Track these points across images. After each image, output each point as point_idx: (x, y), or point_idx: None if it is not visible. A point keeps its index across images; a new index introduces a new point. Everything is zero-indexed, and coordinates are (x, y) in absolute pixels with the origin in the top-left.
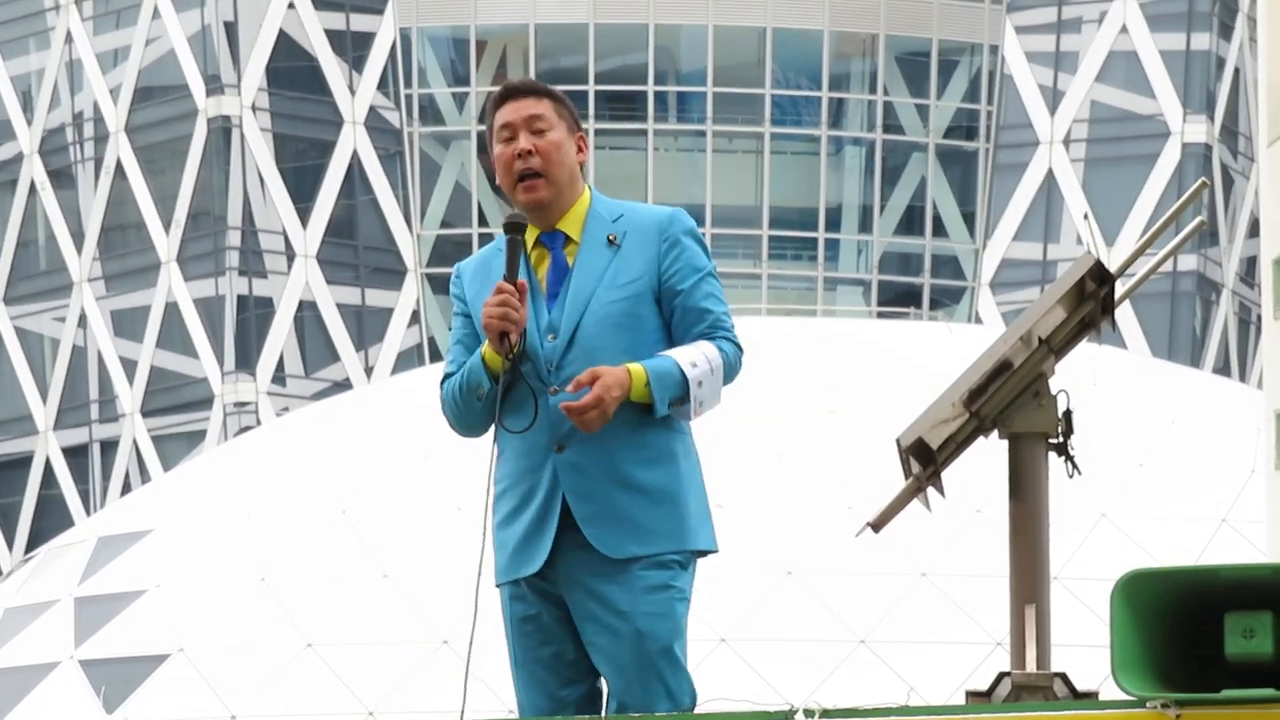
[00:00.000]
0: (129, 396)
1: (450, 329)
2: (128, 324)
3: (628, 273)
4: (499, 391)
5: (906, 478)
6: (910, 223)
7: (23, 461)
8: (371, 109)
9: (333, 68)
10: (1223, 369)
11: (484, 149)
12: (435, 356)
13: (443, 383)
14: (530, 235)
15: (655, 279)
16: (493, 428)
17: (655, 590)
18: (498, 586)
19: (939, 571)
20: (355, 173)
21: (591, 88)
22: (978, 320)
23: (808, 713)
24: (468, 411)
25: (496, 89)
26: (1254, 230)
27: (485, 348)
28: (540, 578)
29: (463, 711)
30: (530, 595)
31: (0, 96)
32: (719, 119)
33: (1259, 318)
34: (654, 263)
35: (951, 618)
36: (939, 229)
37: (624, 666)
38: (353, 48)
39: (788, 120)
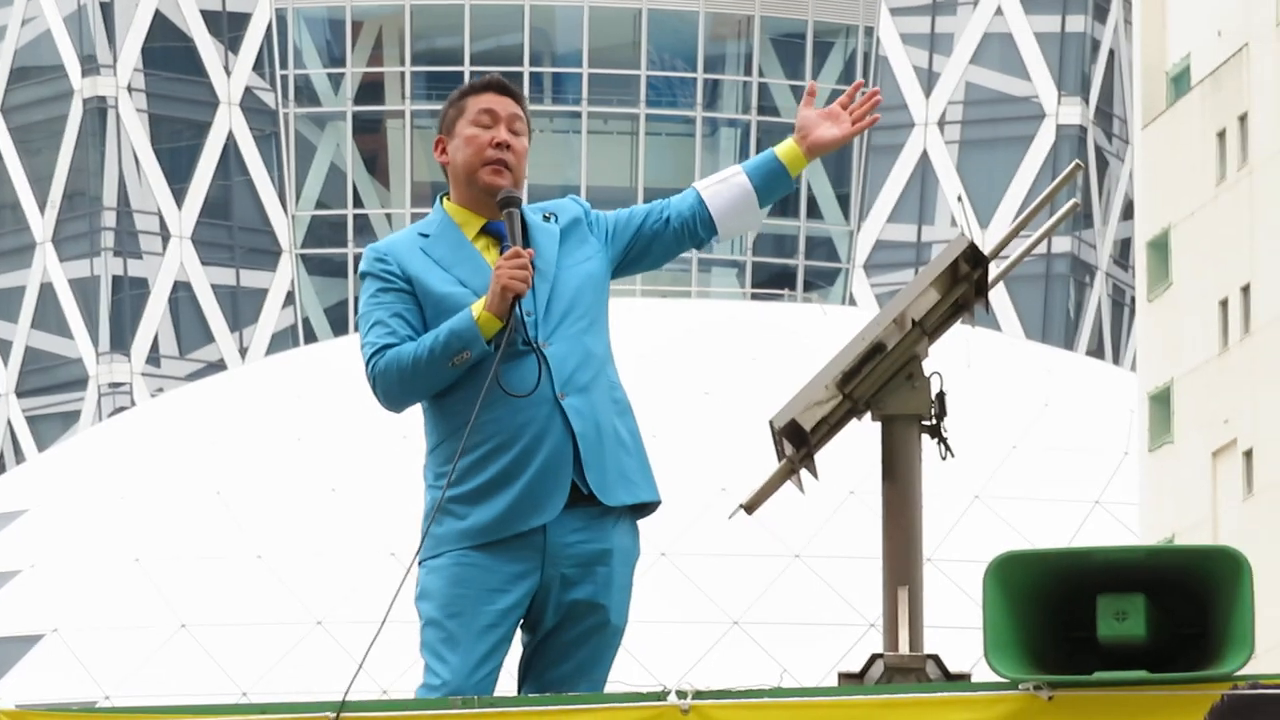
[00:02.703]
0: (3, 376)
1: (373, 306)
2: (2, 304)
3: (581, 250)
4: (497, 354)
5: (779, 459)
6: (784, 204)
7: None
8: (247, 90)
9: (208, 48)
10: (1096, 351)
11: (363, 130)
12: (310, 337)
13: (377, 354)
14: (473, 226)
15: (605, 246)
16: (456, 391)
17: (628, 580)
18: (473, 548)
19: (812, 553)
20: (230, 153)
21: (467, 68)
22: (852, 302)
23: (680, 694)
24: (432, 378)
25: (480, 78)
26: (1128, 213)
27: (479, 312)
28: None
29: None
30: (503, 551)
31: None
32: (594, 100)
33: (1132, 300)
34: (598, 240)
35: (825, 599)
36: (813, 210)
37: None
38: (228, 28)
39: (663, 102)
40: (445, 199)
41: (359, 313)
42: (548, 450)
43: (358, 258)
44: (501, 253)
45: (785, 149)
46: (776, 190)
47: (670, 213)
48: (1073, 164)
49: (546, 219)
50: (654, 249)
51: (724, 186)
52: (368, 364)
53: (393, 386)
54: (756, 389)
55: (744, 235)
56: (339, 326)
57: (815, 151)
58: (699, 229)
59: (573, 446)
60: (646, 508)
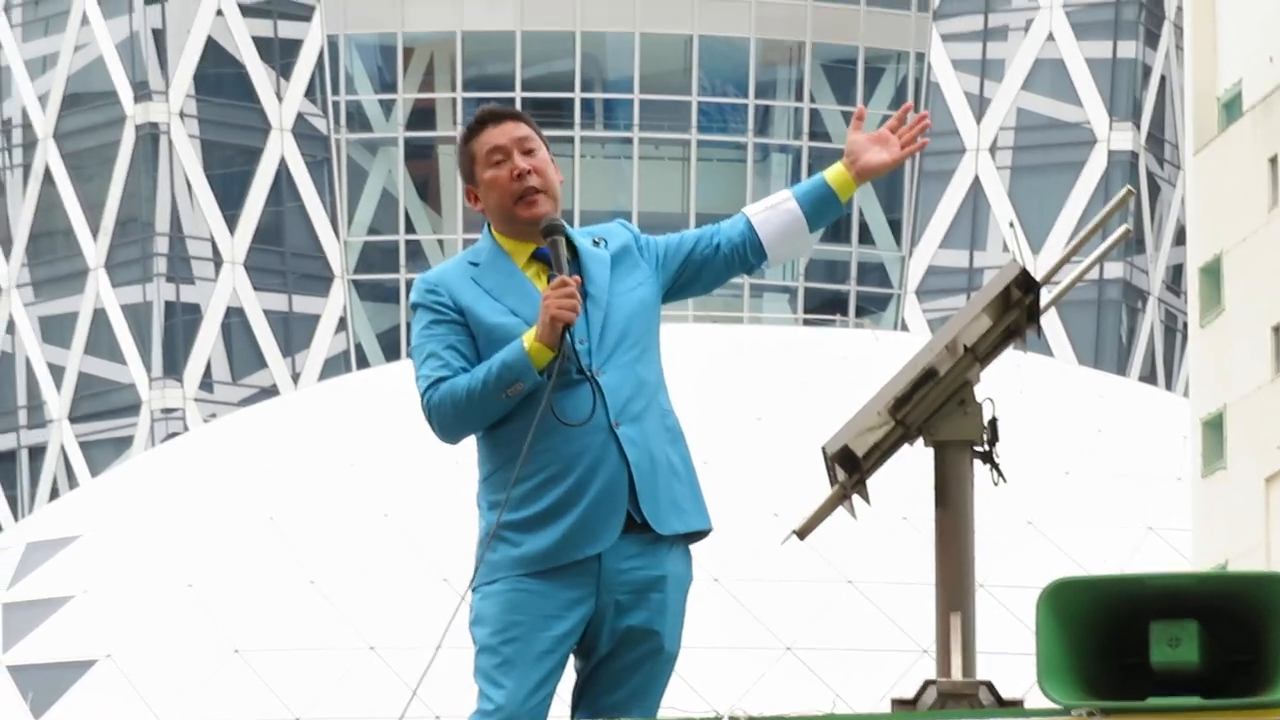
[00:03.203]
0: (57, 402)
1: (426, 338)
2: (55, 330)
3: (632, 277)
4: (550, 384)
5: (832, 485)
6: (836, 230)
7: None
8: (299, 116)
9: (260, 75)
10: (1149, 377)
11: (415, 156)
12: (362, 363)
13: (431, 387)
14: (522, 254)
15: (656, 272)
16: (510, 420)
17: (680, 606)
18: (529, 575)
19: (865, 579)
20: (283, 179)
21: (518, 95)
22: (904, 327)
23: (733, 719)
24: (486, 410)
25: (471, 117)
26: (1180, 238)
27: (530, 343)
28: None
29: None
30: (559, 577)
31: None
32: (645, 126)
33: (1185, 325)
34: (649, 266)
35: (877, 625)
36: (865, 236)
37: (632, 667)
38: (280, 55)
39: (714, 127)
40: (492, 227)
41: (412, 344)
42: (603, 479)
43: (410, 283)
44: (549, 280)
45: (835, 174)
46: (827, 215)
47: (720, 238)
48: (1124, 190)
49: (596, 244)
50: (704, 275)
51: (774, 212)
52: (423, 397)
53: (448, 419)
54: (808, 414)
55: (795, 261)
56: (391, 352)
57: (865, 176)
58: (749, 255)
59: (628, 475)
60: (698, 535)
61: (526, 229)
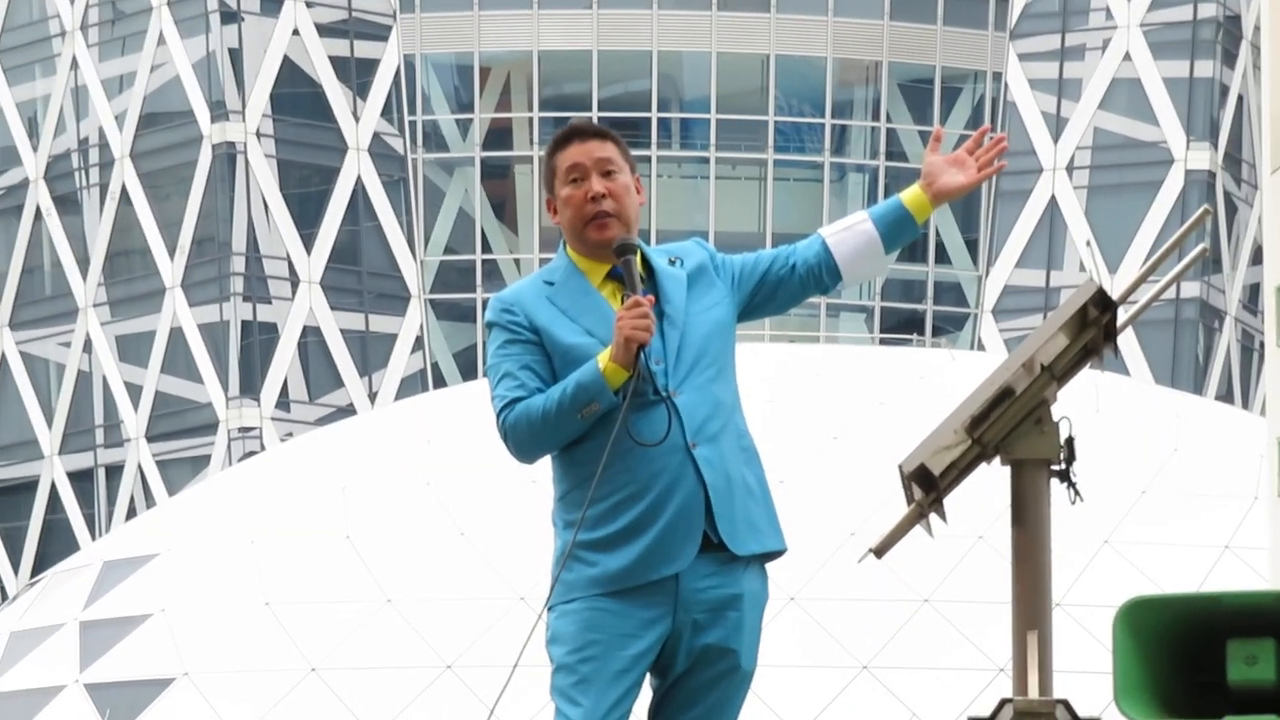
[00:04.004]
0: (134, 421)
1: (502, 358)
2: (132, 349)
3: (708, 297)
4: (625, 404)
5: (909, 504)
6: (913, 249)
7: (28, 486)
8: (375, 135)
9: (337, 94)
10: (1225, 396)
11: (492, 175)
12: (439, 382)
13: (506, 407)
14: (597, 273)
15: (732, 291)
16: (585, 441)
17: (757, 624)
18: (606, 595)
19: (942, 598)
20: (359, 199)
21: (595, 114)
22: (980, 347)
23: None
24: (562, 430)
25: (560, 130)
26: (1257, 257)
27: (604, 363)
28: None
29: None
30: (636, 596)
31: (6, 123)
32: (722, 145)
33: (1261, 344)
34: (724, 285)
35: (954, 644)
36: (941, 256)
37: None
38: (357, 74)
39: (791, 147)
40: (568, 245)
41: (488, 364)
42: (680, 500)
43: (486, 303)
44: (624, 300)
45: (911, 196)
46: (902, 237)
47: (796, 259)
48: (1201, 209)
49: (672, 263)
50: (779, 295)
51: (849, 234)
52: (498, 417)
53: (524, 440)
54: (885, 434)
55: (871, 280)
56: (468, 371)
57: (941, 198)
58: (824, 275)
59: (704, 496)
60: (774, 555)
61: (598, 250)
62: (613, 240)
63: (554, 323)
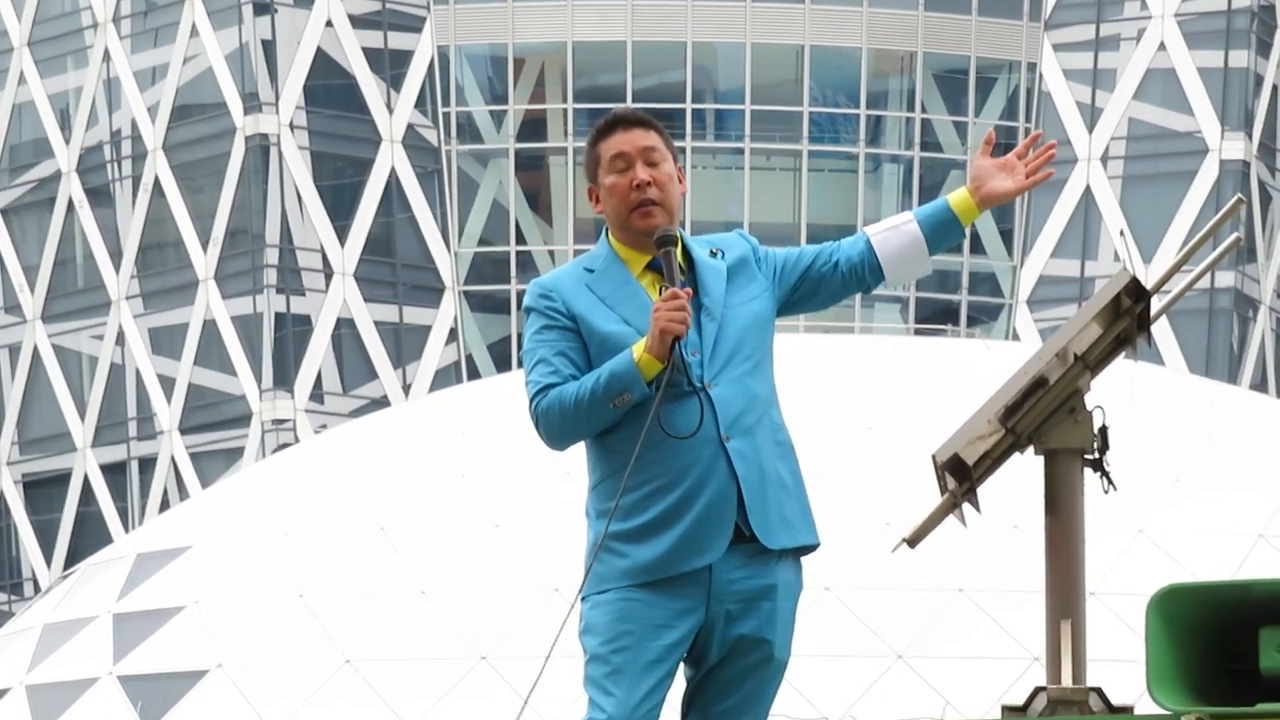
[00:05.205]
0: (167, 414)
1: (538, 343)
2: (166, 342)
3: (749, 290)
4: (658, 395)
5: (942, 493)
6: None
7: (62, 478)
8: (409, 127)
9: (370, 86)
10: (1260, 385)
11: (526, 167)
12: (473, 374)
13: (540, 393)
14: (638, 263)
15: (772, 285)
16: (619, 430)
17: (791, 614)
18: (638, 586)
19: (975, 587)
20: (393, 191)
21: (629, 105)
22: (1015, 337)
23: None
24: (594, 418)
25: (603, 118)
26: None
27: (640, 354)
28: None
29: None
30: (669, 587)
31: (38, 115)
32: (757, 136)
33: None
34: (765, 278)
35: (988, 632)
36: (976, 246)
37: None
38: (391, 66)
39: (825, 138)
40: (610, 233)
41: (524, 348)
42: (712, 493)
43: (520, 294)
44: (662, 292)
45: (959, 199)
46: (947, 239)
47: (839, 256)
48: (1235, 199)
49: (713, 254)
50: (821, 291)
51: (894, 234)
52: (531, 402)
53: (555, 426)
54: (919, 424)
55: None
56: (502, 363)
57: (988, 203)
58: (867, 275)
59: (736, 489)
60: (807, 549)
61: (642, 238)
62: (655, 228)
63: (592, 310)
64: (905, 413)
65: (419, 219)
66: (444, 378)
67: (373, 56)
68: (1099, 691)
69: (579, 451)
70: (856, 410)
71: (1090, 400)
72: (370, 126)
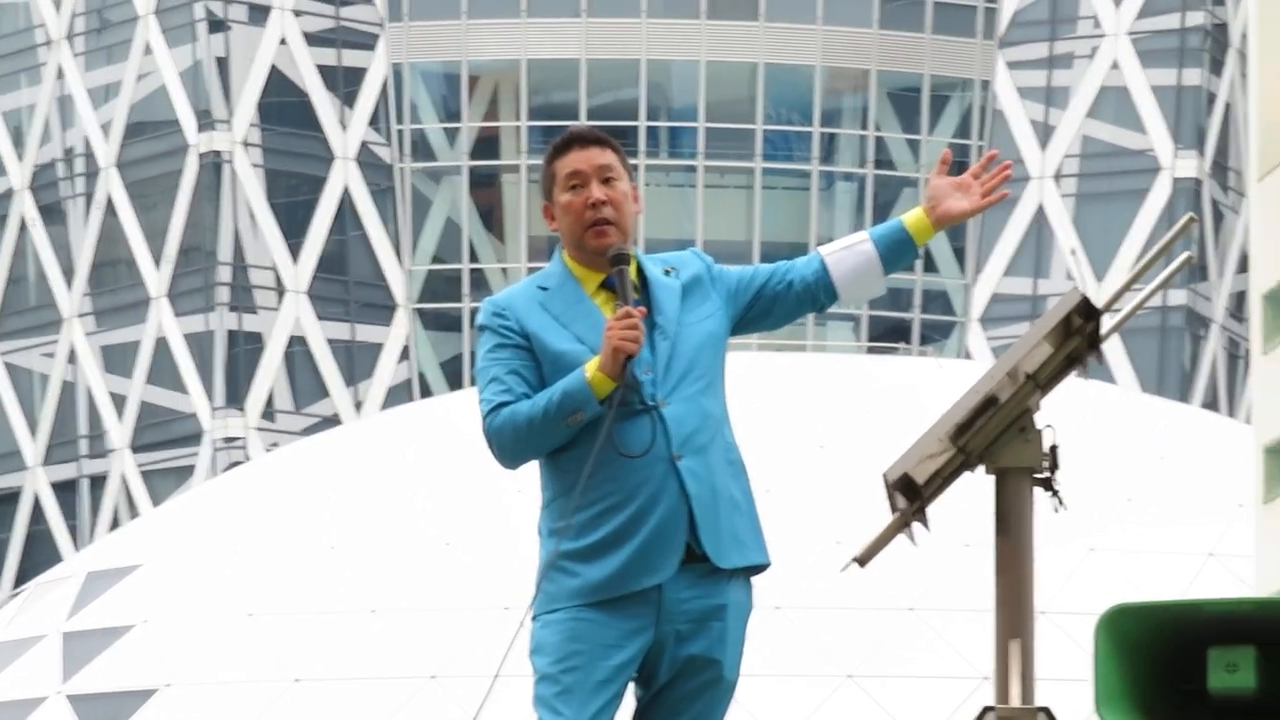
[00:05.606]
0: (118, 432)
1: (491, 362)
2: (117, 359)
3: (702, 308)
4: (610, 414)
5: (892, 513)
6: None
7: (11, 497)
8: (363, 144)
9: (324, 103)
10: (1211, 404)
11: (479, 185)
12: (425, 392)
13: (493, 411)
14: (592, 281)
15: (726, 304)
16: (572, 448)
17: (741, 634)
18: (589, 605)
19: (925, 606)
20: (346, 208)
21: (583, 123)
22: (967, 355)
23: None
24: (546, 437)
25: (560, 136)
26: (1243, 265)
27: (592, 373)
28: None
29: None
30: (619, 607)
31: None
32: (711, 154)
33: (1248, 352)
34: (719, 297)
35: (938, 652)
36: (929, 264)
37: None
38: (344, 83)
39: (779, 155)
40: (564, 251)
41: (477, 367)
42: (662, 512)
43: (473, 312)
44: (615, 310)
45: (914, 219)
46: (902, 259)
47: (794, 275)
48: (1186, 217)
49: (667, 273)
50: (775, 311)
51: (849, 253)
52: (484, 420)
53: (508, 444)
54: (871, 442)
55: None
56: (454, 381)
57: (944, 223)
58: (820, 294)
59: (687, 508)
60: (758, 569)
61: (596, 257)
62: (609, 247)
63: (545, 329)
64: (857, 431)
65: (372, 236)
66: (396, 396)
67: (326, 74)
68: (1047, 711)
69: (531, 470)
70: (808, 428)
71: (1041, 419)
72: (324, 144)
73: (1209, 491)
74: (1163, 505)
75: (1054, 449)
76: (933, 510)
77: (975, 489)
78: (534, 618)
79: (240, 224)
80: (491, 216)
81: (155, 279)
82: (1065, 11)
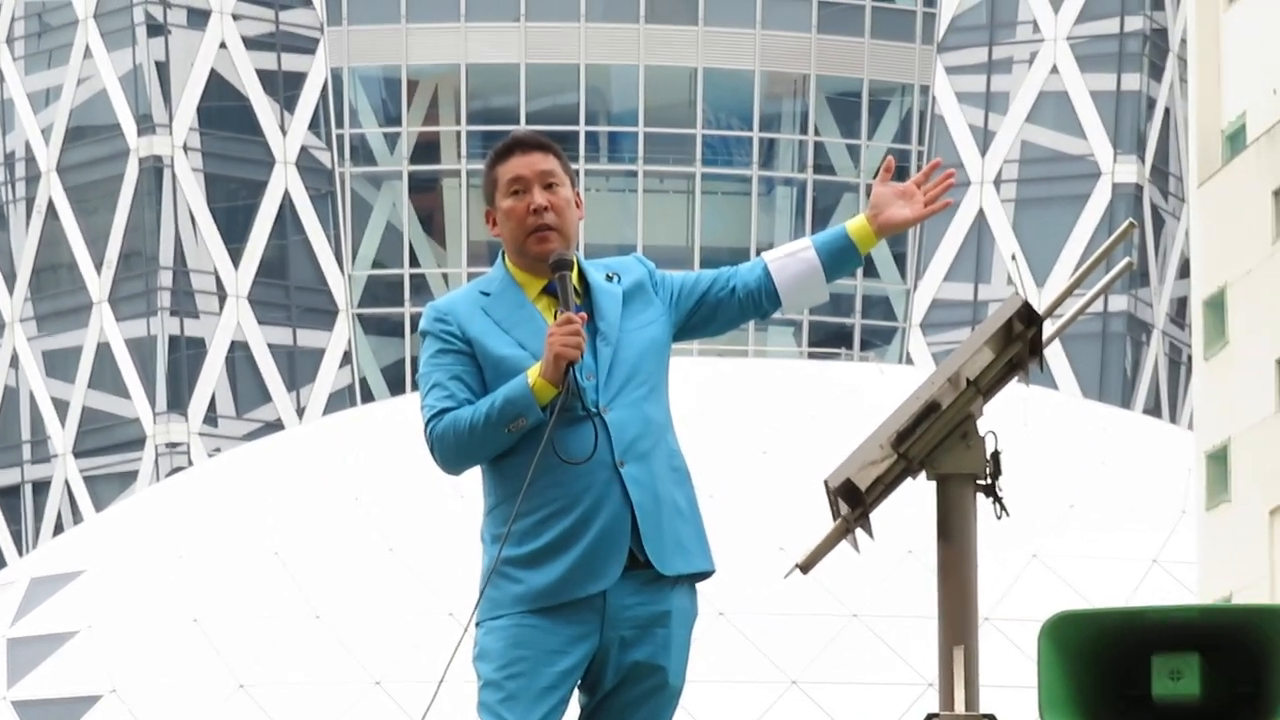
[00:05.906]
0: (61, 437)
1: (433, 367)
2: (59, 364)
3: (645, 314)
4: (551, 421)
5: (835, 519)
6: None
7: None
8: (303, 149)
9: (264, 107)
10: (1153, 410)
11: (419, 189)
12: (367, 397)
13: (435, 417)
14: (534, 287)
15: (669, 310)
16: (514, 455)
17: (685, 641)
18: (533, 611)
19: (870, 612)
20: (287, 213)
21: (523, 127)
22: (909, 361)
23: None
24: (488, 443)
25: (502, 141)
26: (1184, 271)
27: (534, 379)
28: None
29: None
30: (563, 613)
31: None
32: (650, 159)
33: (1189, 358)
34: (662, 303)
35: (882, 659)
36: (870, 270)
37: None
38: (284, 87)
39: (719, 160)
40: (506, 257)
41: (419, 372)
42: (605, 518)
43: (415, 317)
44: (556, 316)
45: (856, 227)
46: (845, 267)
47: (737, 282)
48: (1126, 222)
49: (610, 279)
50: (718, 317)
51: (792, 260)
52: (426, 426)
53: (450, 451)
54: (813, 448)
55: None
56: (396, 386)
57: (886, 231)
58: (764, 301)
59: (630, 515)
60: (702, 575)
61: (538, 263)
62: (551, 252)
63: (487, 334)
64: (799, 436)
65: (312, 241)
66: (338, 401)
67: (266, 78)
68: (992, 718)
69: (474, 475)
70: (751, 434)
71: (983, 425)
72: (264, 148)
73: (1152, 498)
74: (1105, 512)
75: (996, 455)
76: (875, 516)
77: (918, 495)
78: (478, 624)
79: (181, 228)
80: (432, 221)
81: (96, 284)
82: (1004, 16)
